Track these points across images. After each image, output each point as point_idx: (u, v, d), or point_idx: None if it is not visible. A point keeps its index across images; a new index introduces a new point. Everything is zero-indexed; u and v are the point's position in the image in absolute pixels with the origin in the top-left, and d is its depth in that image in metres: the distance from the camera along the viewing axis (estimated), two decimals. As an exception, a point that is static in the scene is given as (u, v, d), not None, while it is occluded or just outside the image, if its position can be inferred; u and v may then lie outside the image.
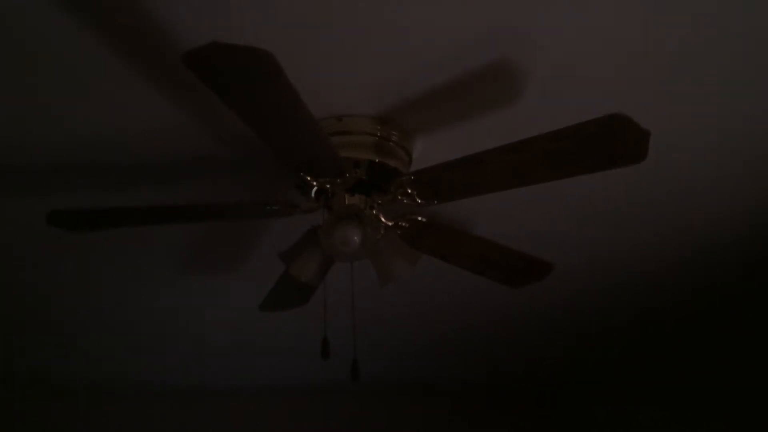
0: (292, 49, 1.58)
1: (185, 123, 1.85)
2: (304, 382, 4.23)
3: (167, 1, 1.44)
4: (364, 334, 3.34)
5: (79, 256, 2.57)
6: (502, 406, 4.62)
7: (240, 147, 1.97)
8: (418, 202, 1.86)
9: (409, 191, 1.83)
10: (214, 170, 2.08)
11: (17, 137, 1.87)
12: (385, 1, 1.48)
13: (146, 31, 1.51)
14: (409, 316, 3.28)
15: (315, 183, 1.82)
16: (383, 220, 1.97)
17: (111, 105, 1.77)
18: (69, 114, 1.79)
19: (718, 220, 2.50)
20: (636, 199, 2.33)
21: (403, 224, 2.02)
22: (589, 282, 3.00)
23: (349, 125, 1.86)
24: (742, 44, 1.66)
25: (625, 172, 2.06)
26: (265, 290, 2.53)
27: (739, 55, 1.69)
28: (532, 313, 3.35)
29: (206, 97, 1.74)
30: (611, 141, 1.54)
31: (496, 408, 4.61)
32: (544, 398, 4.68)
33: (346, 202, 1.87)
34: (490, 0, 1.49)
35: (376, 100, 1.81)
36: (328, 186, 1.83)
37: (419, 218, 2.03)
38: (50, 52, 1.57)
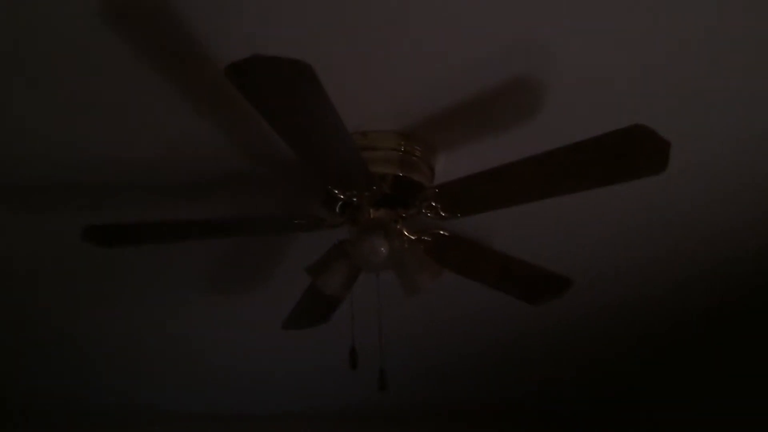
0: (320, 65, 1.64)
1: (213, 139, 1.91)
2: (322, 407, 4.22)
3: (200, 17, 1.50)
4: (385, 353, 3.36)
5: (94, 274, 2.60)
6: (519, 429, 4.61)
7: (266, 163, 2.03)
8: (441, 215, 1.90)
9: (434, 204, 1.87)
10: (240, 186, 2.13)
11: (46, 153, 1.93)
12: (409, 19, 1.54)
13: (177, 47, 1.58)
14: (426, 336, 3.30)
15: (342, 197, 1.87)
16: (407, 233, 2.02)
17: (142, 121, 1.83)
18: (100, 130, 1.85)
19: (738, 234, 2.52)
20: (653, 213, 2.37)
21: (426, 238, 2.06)
22: (610, 298, 3.02)
23: (374, 140, 1.92)
24: (759, 52, 1.71)
25: (645, 185, 2.10)
26: (284, 311, 2.56)
27: (756, 63, 1.75)
28: (550, 334, 3.36)
29: (234, 113, 1.80)
30: (633, 152, 1.59)
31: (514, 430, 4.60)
32: (563, 422, 4.66)
33: (372, 215, 1.92)
34: (511, 16, 1.55)
35: (401, 116, 1.87)
36: (354, 200, 1.88)
37: (441, 232, 2.07)
38: (81, 67, 1.63)
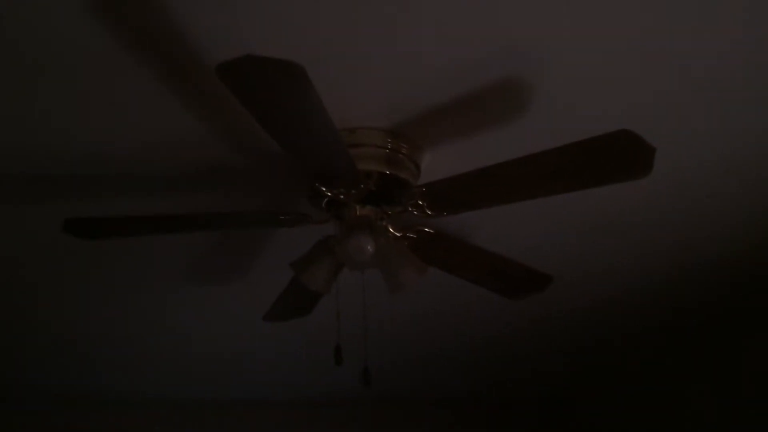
0: (308, 63, 1.63)
1: (198, 133, 1.90)
2: (308, 395, 4.24)
3: (190, 13, 1.49)
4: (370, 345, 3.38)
5: (82, 266, 2.58)
6: (504, 419, 4.66)
7: (252, 158, 2.02)
8: (428, 213, 1.91)
9: (420, 203, 1.88)
10: (226, 181, 2.12)
11: (31, 146, 1.90)
12: (398, 18, 1.54)
13: (163, 41, 1.56)
14: (412, 328, 3.32)
15: (329, 193, 1.87)
16: (392, 230, 2.03)
17: (125, 114, 1.81)
18: (83, 123, 1.83)
19: (720, 234, 2.57)
20: (636, 212, 2.41)
21: (411, 235, 2.07)
22: (589, 294, 3.06)
23: (361, 137, 1.91)
24: (752, 57, 1.73)
25: (626, 185, 2.13)
26: (267, 300, 2.56)
27: (747, 68, 1.77)
28: (534, 326, 3.40)
29: (220, 108, 1.79)
30: (618, 156, 1.61)
31: (497, 420, 4.65)
32: (545, 411, 4.73)
33: (358, 212, 1.92)
34: (500, 17, 1.56)
35: (388, 114, 1.87)
36: (341, 197, 1.89)
37: (426, 229, 2.08)
38: (65, 59, 1.61)
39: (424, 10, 1.53)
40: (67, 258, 2.51)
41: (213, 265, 2.66)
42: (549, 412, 4.73)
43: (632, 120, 1.90)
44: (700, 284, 2.99)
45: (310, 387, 4.10)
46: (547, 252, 2.62)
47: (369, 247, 1.79)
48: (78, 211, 2.12)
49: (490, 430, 4.63)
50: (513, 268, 2.19)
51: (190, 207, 2.20)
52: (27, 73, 1.64)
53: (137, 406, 4.15)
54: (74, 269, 2.60)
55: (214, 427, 4.26)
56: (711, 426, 3.49)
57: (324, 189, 1.85)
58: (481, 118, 1.90)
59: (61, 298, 2.84)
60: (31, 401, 3.98)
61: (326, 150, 1.61)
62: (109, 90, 1.71)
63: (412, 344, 3.54)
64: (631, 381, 4.15)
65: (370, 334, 3.14)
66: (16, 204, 2.16)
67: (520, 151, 1.74)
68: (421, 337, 3.45)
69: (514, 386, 4.41)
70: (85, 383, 3.83)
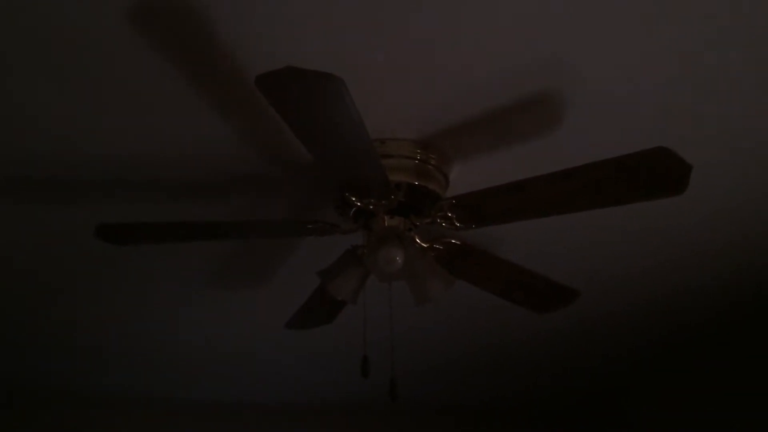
0: (344, 73, 1.63)
1: (228, 141, 1.90)
2: (323, 401, 4.24)
3: (225, 20, 1.49)
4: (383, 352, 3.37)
5: (97, 268, 2.59)
6: (524, 429, 4.64)
7: (280, 166, 2.02)
8: (456, 225, 1.91)
9: (449, 215, 1.88)
10: (254, 189, 2.12)
11: (63, 149, 1.91)
12: (436, 32, 1.54)
13: (199, 49, 1.57)
14: (430, 337, 3.31)
15: (358, 204, 1.87)
16: (419, 242, 2.02)
17: (153, 119, 1.82)
18: (109, 126, 1.84)
19: (732, 245, 2.55)
20: (649, 223, 2.39)
21: (438, 246, 2.07)
22: (613, 305, 3.04)
23: (391, 148, 1.91)
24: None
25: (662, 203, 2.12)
26: (287, 307, 2.56)
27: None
28: (556, 338, 3.39)
29: (251, 115, 1.79)
30: (654, 173, 1.60)
31: (515, 428, 4.63)
32: (567, 421, 4.70)
33: (386, 223, 1.92)
34: (535, 32, 1.56)
35: (420, 126, 1.87)
36: (370, 207, 1.88)
37: (453, 241, 2.07)
38: (97, 65, 1.62)
39: (462, 25, 1.53)
40: (83, 260, 2.51)
41: (236, 271, 2.66)
42: (572, 423, 4.70)
43: (663, 135, 1.89)
44: (722, 294, 2.96)
45: (329, 392, 4.09)
46: (573, 263, 2.61)
47: (399, 259, 1.79)
48: (101, 217, 2.13)
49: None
50: (539, 282, 2.18)
51: (216, 215, 2.21)
52: (54, 75, 1.65)
53: (147, 408, 4.15)
54: (89, 272, 2.60)
55: (224, 430, 4.26)
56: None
57: (354, 199, 1.84)
58: (512, 132, 1.90)
59: (76, 300, 2.84)
60: (40, 400, 3.98)
61: (360, 161, 1.61)
62: (137, 94, 1.72)
63: (431, 352, 3.52)
64: (655, 392, 4.12)
65: (401, 344, 3.13)
66: (34, 206, 2.17)
67: (549, 166, 1.73)
68: (441, 345, 3.44)
69: (535, 396, 4.38)
70: (97, 384, 3.84)
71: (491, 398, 4.39)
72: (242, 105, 1.76)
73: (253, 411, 4.28)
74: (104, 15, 1.48)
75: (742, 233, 2.46)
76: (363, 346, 1.96)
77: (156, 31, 1.52)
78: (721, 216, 2.34)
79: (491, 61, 1.64)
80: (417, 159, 1.94)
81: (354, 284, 1.96)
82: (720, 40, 1.60)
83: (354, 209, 1.93)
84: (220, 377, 3.82)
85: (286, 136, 1.84)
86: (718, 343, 3.53)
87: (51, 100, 1.73)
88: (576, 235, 2.44)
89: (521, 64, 1.65)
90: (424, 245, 2.05)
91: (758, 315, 3.19)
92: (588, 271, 2.69)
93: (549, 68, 1.67)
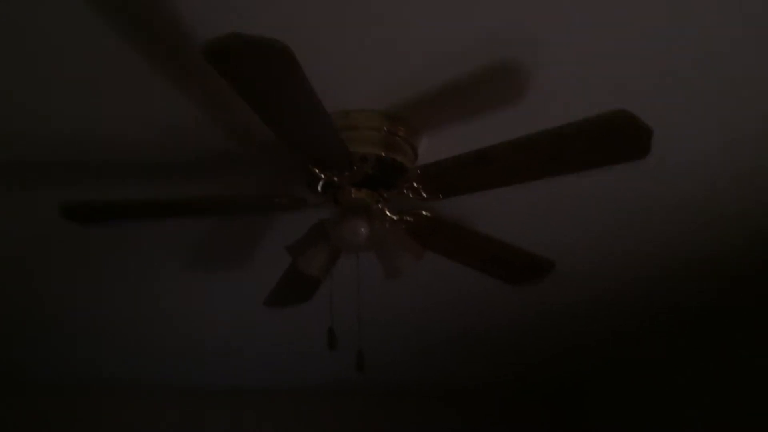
0: (302, 43, 1.61)
1: (194, 118, 1.89)
2: (305, 383, 4.25)
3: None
4: (367, 333, 3.37)
5: (79, 253, 2.59)
6: (500, 408, 4.66)
7: (248, 142, 2.01)
8: (423, 196, 1.89)
9: (415, 185, 1.86)
10: (222, 166, 2.11)
11: (29, 131, 1.90)
12: (396, 1, 1.52)
13: (157, 25, 1.55)
14: (410, 316, 3.31)
15: (323, 176, 1.86)
16: (389, 214, 2.01)
17: (121, 100, 1.80)
18: (80, 108, 1.82)
19: (724, 223, 2.53)
20: (639, 201, 2.38)
21: (408, 219, 2.06)
22: (591, 285, 3.03)
23: (356, 120, 1.89)
24: (751, 43, 1.70)
25: (629, 170, 2.10)
26: (268, 288, 2.56)
27: (748, 57, 1.74)
28: (533, 315, 3.38)
29: (215, 92, 1.78)
30: (614, 137, 1.58)
31: (494, 410, 4.64)
32: (543, 400, 4.72)
33: (353, 195, 1.91)
34: (499, 1, 1.53)
35: (384, 96, 1.85)
36: (335, 180, 1.87)
37: (424, 213, 2.06)
38: (62, 45, 1.60)
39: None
40: (65, 245, 2.51)
41: (213, 250, 2.66)
42: (547, 403, 4.72)
43: (633, 107, 1.86)
44: (712, 273, 2.95)
45: (305, 375, 4.11)
46: (552, 240, 2.59)
47: (363, 230, 1.78)
48: (70, 198, 2.11)
49: (484, 420, 4.61)
50: (513, 253, 2.17)
51: (184, 193, 2.19)
52: (23, 61, 1.64)
53: (132, 393, 4.17)
54: (72, 256, 2.61)
55: (209, 414, 4.28)
56: (723, 419, 3.46)
57: (318, 172, 1.83)
58: (480, 102, 1.88)
59: (58, 285, 2.84)
60: (25, 389, 4.00)
61: (316, 132, 1.59)
62: (100, 75, 1.70)
63: (414, 335, 3.53)
64: (641, 373, 4.12)
65: (374, 324, 3.13)
66: (12, 190, 2.16)
67: (520, 135, 1.71)
68: (424, 328, 3.44)
69: (511, 377, 4.39)
70: (81, 370, 3.85)
71: (472, 382, 4.41)
72: (202, 81, 1.74)
73: (237, 395, 4.30)
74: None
75: (730, 212, 2.45)
76: (329, 318, 1.96)
77: (109, 7, 1.50)
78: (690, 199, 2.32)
79: (455, 31, 1.62)
80: (384, 131, 1.93)
81: (323, 259, 1.95)
82: (683, 7, 1.58)
83: (321, 182, 1.92)
84: (200, 361, 3.83)
85: (251, 111, 1.83)
86: (680, 334, 3.54)
87: (13, 86, 1.71)
88: (555, 210, 2.43)
89: (485, 33, 1.63)
90: (395, 218, 2.04)
91: (725, 305, 3.19)
92: (567, 247, 2.68)
93: (514, 36, 1.65)
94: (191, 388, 4.21)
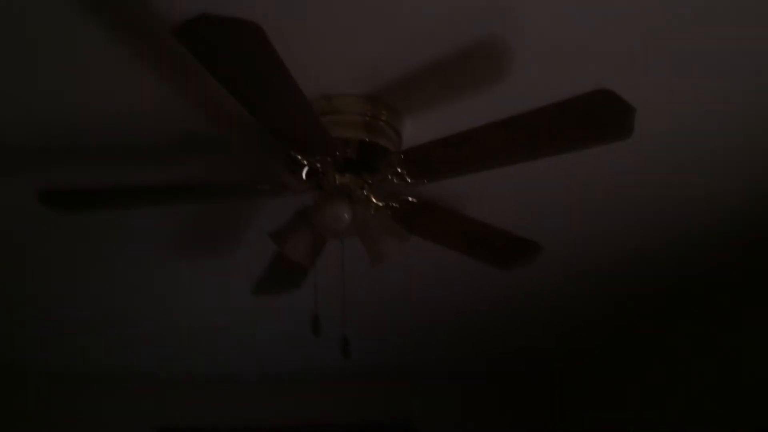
0: (280, 26, 1.59)
1: (176, 103, 1.86)
2: (295, 369, 4.25)
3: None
4: (356, 319, 3.36)
5: (65, 241, 2.57)
6: (491, 392, 4.66)
7: (231, 128, 1.99)
8: (407, 180, 1.88)
9: (399, 170, 1.85)
10: (206, 152, 2.08)
11: (3, 116, 1.88)
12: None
13: (136, 6, 1.53)
14: (399, 300, 3.30)
15: (305, 162, 1.84)
16: (374, 199, 1.99)
17: (100, 83, 1.78)
18: (57, 92, 1.80)
19: (714, 200, 2.51)
20: (626, 181, 2.35)
21: (394, 204, 2.04)
22: (578, 267, 3.02)
23: (338, 105, 1.87)
24: (736, 15, 1.67)
25: (617, 151, 2.08)
26: (257, 274, 2.54)
27: (732, 32, 1.71)
28: (522, 299, 3.37)
29: (197, 75, 1.75)
30: (597, 116, 1.56)
31: (486, 394, 4.65)
32: (534, 384, 4.73)
33: (337, 181, 1.89)
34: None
35: (365, 80, 1.82)
36: (318, 165, 1.85)
37: (410, 198, 2.05)
38: (38, 27, 1.58)
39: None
40: (51, 233, 2.49)
41: (199, 238, 2.64)
42: (537, 387, 4.73)
43: (614, 84, 1.84)
44: (699, 252, 2.93)
45: (298, 361, 4.10)
46: (534, 222, 2.58)
47: (346, 216, 1.76)
48: (51, 183, 2.09)
49: (475, 403, 4.62)
50: (500, 236, 2.15)
51: (167, 180, 2.17)
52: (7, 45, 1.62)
53: (123, 382, 4.17)
54: (58, 244, 2.59)
55: (201, 401, 4.29)
56: (710, 402, 3.46)
57: (300, 158, 1.81)
58: (464, 83, 1.85)
59: (45, 273, 2.83)
60: (15, 379, 4.00)
61: (294, 116, 1.57)
62: (75, 58, 1.68)
63: (396, 315, 3.51)
64: (626, 355, 4.12)
65: (357, 306, 3.11)
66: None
67: (504, 117, 1.69)
68: (406, 309, 3.42)
69: (500, 361, 4.39)
70: (75, 361, 3.85)
71: (460, 364, 4.40)
72: (181, 64, 1.71)
73: (228, 382, 4.31)
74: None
75: (709, 188, 2.43)
76: (314, 304, 1.94)
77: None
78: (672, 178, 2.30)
79: (434, 10, 1.59)
80: (367, 115, 1.90)
81: (307, 245, 1.93)
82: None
83: (305, 169, 1.90)
84: (189, 349, 3.82)
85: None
86: (662, 318, 3.53)
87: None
88: (540, 191, 2.41)
89: (466, 11, 1.60)
90: (380, 203, 2.02)
91: (709, 287, 3.17)
92: (552, 229, 2.66)
93: (494, 15, 1.62)
94: (182, 376, 4.21)
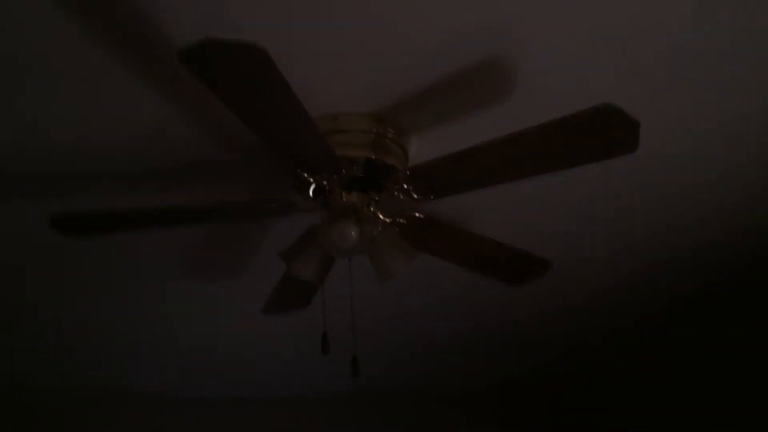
0: (287, 47, 1.61)
1: (183, 125, 1.88)
2: (303, 391, 4.24)
3: (160, 1, 1.47)
4: (365, 338, 3.35)
5: (75, 263, 2.59)
6: (501, 411, 4.63)
7: (238, 148, 2.00)
8: (414, 197, 1.88)
9: (405, 187, 1.85)
10: (212, 172, 2.10)
11: (13, 143, 1.90)
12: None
13: (141, 31, 1.54)
14: (409, 319, 3.29)
15: (312, 181, 1.85)
16: (381, 217, 2.00)
17: (107, 108, 1.80)
18: (65, 118, 1.82)
19: (722, 215, 2.50)
20: (635, 196, 2.35)
21: (401, 221, 2.04)
22: (589, 282, 3.01)
23: (344, 123, 1.89)
24: (738, 38, 1.68)
25: (625, 166, 2.08)
26: (265, 296, 2.55)
27: (733, 51, 1.71)
28: (533, 315, 3.35)
29: (203, 98, 1.77)
30: (602, 131, 1.56)
31: (495, 413, 4.62)
32: (546, 402, 4.68)
33: (344, 199, 1.89)
34: (483, -1, 1.52)
35: (372, 98, 1.83)
36: (325, 183, 1.86)
37: (417, 215, 2.05)
38: (44, 54, 1.60)
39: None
40: (62, 256, 2.51)
41: (210, 261, 2.65)
42: (549, 405, 4.68)
43: (621, 101, 1.84)
44: (710, 265, 2.91)
45: (306, 383, 4.09)
46: (543, 239, 2.57)
47: (353, 234, 1.76)
48: (59, 208, 2.11)
49: (484, 423, 4.58)
50: (508, 252, 2.15)
51: (175, 202, 2.19)
52: (4, 72, 1.64)
53: (130, 403, 4.17)
54: (69, 267, 2.60)
55: (208, 424, 4.27)
56: (725, 412, 3.42)
57: (307, 176, 1.82)
58: (469, 101, 1.86)
59: (56, 297, 2.84)
60: (22, 398, 4.00)
61: (300, 136, 1.58)
62: (85, 84, 1.70)
63: (412, 338, 3.50)
64: (639, 373, 4.08)
65: (366, 323, 3.10)
66: (8, 202, 2.16)
67: (509, 132, 1.69)
68: (416, 327, 3.41)
69: (511, 379, 4.36)
70: (79, 379, 3.85)
71: (466, 383, 4.37)
72: (189, 88, 1.73)
73: (237, 404, 4.29)
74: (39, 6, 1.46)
75: (712, 209, 2.42)
76: (323, 323, 1.94)
77: (89, 14, 1.50)
78: (692, 189, 2.30)
79: (439, 30, 1.60)
80: (373, 133, 1.92)
81: (316, 264, 1.94)
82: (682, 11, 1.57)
83: (312, 187, 1.91)
84: (199, 371, 3.82)
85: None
86: (700, 322, 3.50)
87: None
88: (548, 209, 2.41)
89: (470, 31, 1.61)
90: (387, 220, 2.03)
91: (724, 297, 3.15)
92: (561, 247, 2.65)
93: (498, 35, 1.63)
94: (189, 398, 4.21)
